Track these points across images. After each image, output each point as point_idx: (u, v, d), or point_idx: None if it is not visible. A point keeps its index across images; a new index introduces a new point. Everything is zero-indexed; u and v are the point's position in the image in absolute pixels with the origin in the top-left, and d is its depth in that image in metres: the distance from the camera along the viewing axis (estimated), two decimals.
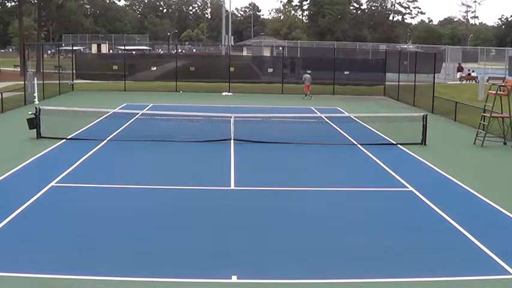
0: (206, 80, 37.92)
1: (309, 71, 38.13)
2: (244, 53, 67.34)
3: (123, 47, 55.27)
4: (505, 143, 19.43)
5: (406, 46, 75.20)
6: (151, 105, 28.83)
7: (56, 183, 13.40)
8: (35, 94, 28.88)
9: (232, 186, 13.66)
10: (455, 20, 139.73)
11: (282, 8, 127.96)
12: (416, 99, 30.65)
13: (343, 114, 25.41)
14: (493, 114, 19.48)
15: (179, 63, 39.71)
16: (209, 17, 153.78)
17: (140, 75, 39.87)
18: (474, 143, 19.47)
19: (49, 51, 60.99)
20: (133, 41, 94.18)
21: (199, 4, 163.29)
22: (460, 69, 53.43)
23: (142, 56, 54.11)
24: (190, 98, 32.93)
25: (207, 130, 20.27)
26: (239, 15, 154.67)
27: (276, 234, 10.34)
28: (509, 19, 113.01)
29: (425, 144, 19.06)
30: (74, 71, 38.07)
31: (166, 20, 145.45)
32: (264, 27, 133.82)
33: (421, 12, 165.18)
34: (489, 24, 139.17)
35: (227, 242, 9.90)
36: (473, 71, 52.55)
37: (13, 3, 73.35)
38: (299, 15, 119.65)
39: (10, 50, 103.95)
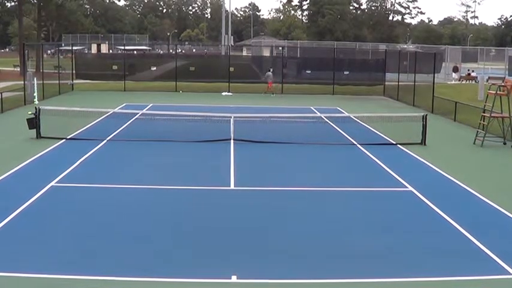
0: (206, 80, 37.94)
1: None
2: (244, 53, 67.34)
3: (123, 47, 55.33)
4: (504, 143, 19.44)
5: (405, 46, 75.22)
6: (151, 105, 28.83)
7: (56, 183, 13.40)
8: (35, 94, 28.89)
9: (232, 186, 13.66)
10: (455, 20, 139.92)
11: (281, 8, 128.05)
12: (416, 99, 30.65)
13: (343, 114, 25.41)
14: (492, 114, 19.48)
15: (179, 63, 39.70)
16: (209, 17, 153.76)
17: (140, 75, 39.88)
18: (474, 143, 19.47)
19: (48, 51, 61.02)
20: (133, 41, 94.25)
21: (199, 4, 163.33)
22: (455, 69, 52.55)
23: (142, 56, 54.12)
24: (190, 98, 32.93)
25: (207, 130, 20.26)
26: (239, 15, 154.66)
27: (275, 234, 10.34)
28: (509, 19, 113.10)
29: (425, 144, 19.06)
30: (74, 71, 38.07)
31: (166, 20, 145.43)
32: (263, 27, 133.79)
33: (421, 12, 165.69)
34: (489, 24, 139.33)
35: (227, 242, 9.89)
36: (473, 71, 52.47)
37: (13, 3, 73.35)
38: (299, 15, 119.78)
39: (7, 49, 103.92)
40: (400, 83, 34.92)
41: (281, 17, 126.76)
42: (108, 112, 23.60)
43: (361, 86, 38.31)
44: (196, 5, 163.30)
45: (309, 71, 39.75)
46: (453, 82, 49.13)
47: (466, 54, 60.53)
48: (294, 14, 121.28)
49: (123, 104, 28.83)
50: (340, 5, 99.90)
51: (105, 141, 18.71)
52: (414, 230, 10.75)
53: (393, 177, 14.68)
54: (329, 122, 23.40)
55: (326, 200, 12.75)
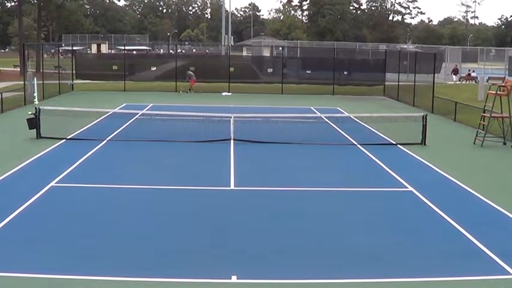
0: (206, 80, 37.95)
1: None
2: (244, 53, 67.30)
3: (123, 47, 55.28)
4: (504, 143, 19.44)
5: (405, 46, 75.22)
6: (151, 105, 28.83)
7: (56, 183, 13.40)
8: (35, 94, 28.89)
9: (232, 186, 13.65)
10: (455, 20, 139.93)
11: (281, 8, 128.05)
12: (416, 99, 30.65)
13: (343, 114, 25.41)
14: (492, 114, 19.48)
15: (179, 63, 39.71)
16: (209, 17, 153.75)
17: (140, 75, 39.88)
18: (474, 143, 19.47)
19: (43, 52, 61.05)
20: (133, 41, 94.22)
21: (199, 4, 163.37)
22: (455, 71, 51.39)
23: (142, 56, 54.09)
24: (190, 98, 32.93)
25: (207, 130, 20.26)
26: (239, 15, 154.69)
27: (276, 234, 10.34)
28: (509, 19, 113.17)
29: (425, 144, 19.06)
30: (74, 71, 38.08)
31: (166, 20, 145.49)
32: (263, 27, 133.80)
33: (421, 12, 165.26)
34: (489, 24, 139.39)
35: (227, 242, 9.90)
36: (473, 71, 52.42)
37: (13, 3, 73.40)
38: (299, 16, 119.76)
39: (7, 49, 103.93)
40: (400, 83, 34.92)
41: (281, 17, 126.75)
42: (108, 112, 23.61)
43: (361, 86, 38.31)
44: (196, 5, 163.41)
45: (309, 71, 39.78)
46: (452, 82, 48.38)
47: (466, 54, 60.49)
48: (294, 14, 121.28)
49: (123, 104, 28.84)
50: (340, 5, 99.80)
51: (105, 141, 18.71)
52: (414, 230, 10.74)
53: (393, 177, 14.68)
54: (329, 122, 23.40)
55: (326, 200, 12.74)
